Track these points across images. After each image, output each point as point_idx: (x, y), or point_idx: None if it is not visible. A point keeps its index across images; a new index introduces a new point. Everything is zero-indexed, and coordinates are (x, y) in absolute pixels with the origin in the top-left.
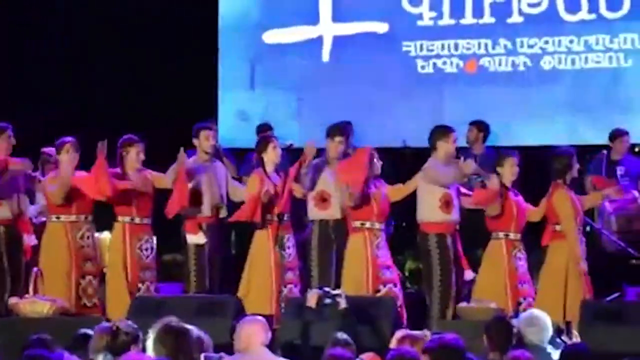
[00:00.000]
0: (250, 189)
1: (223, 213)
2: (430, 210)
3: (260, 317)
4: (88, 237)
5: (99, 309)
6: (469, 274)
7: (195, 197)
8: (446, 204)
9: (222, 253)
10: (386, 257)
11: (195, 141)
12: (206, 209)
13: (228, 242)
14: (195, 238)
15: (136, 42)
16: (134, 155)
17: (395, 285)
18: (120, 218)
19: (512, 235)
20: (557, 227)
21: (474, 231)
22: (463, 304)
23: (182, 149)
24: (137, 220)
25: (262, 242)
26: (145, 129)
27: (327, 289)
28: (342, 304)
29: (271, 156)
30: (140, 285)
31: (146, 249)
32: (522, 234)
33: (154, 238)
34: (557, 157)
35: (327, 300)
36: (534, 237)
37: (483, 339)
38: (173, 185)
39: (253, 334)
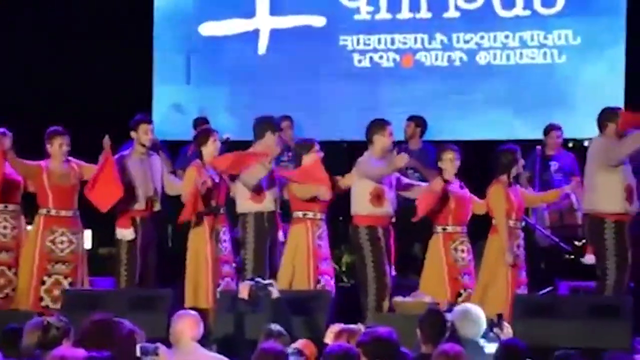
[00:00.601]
0: (187, 182)
1: (157, 207)
2: (361, 203)
3: (192, 312)
4: (5, 227)
5: (9, 301)
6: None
7: (129, 191)
8: (377, 198)
9: (155, 247)
10: (326, 249)
11: (133, 134)
12: (140, 203)
13: (165, 235)
14: (126, 233)
15: (70, 34)
16: (57, 147)
17: (331, 278)
18: (39, 210)
19: (450, 229)
20: (494, 221)
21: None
22: (399, 298)
23: (106, 136)
24: (53, 212)
25: (198, 235)
26: (80, 122)
27: (258, 279)
28: (274, 293)
29: (210, 149)
30: (45, 278)
31: (61, 242)
32: (466, 226)
33: (83, 231)
34: (502, 152)
35: (259, 291)
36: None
37: (417, 333)
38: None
39: (184, 329)
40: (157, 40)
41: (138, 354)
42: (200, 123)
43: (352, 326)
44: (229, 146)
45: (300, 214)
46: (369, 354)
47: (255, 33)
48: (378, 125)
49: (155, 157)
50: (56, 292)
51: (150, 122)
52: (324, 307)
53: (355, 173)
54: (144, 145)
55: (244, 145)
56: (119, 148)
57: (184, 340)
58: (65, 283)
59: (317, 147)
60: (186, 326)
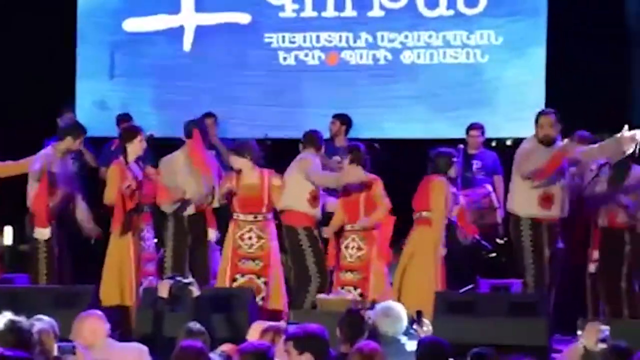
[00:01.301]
0: (111, 186)
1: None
2: (301, 203)
3: (96, 311)
4: None
5: None
6: None
7: (49, 190)
8: (314, 199)
9: (73, 244)
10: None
11: (69, 138)
12: (56, 201)
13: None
14: (44, 232)
15: None
16: None
17: (258, 277)
18: None
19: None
20: (426, 214)
21: None
22: (322, 295)
23: None
24: None
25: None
26: (1, 116)
27: (178, 277)
28: (195, 292)
29: (136, 148)
30: None
31: None
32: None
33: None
34: (440, 156)
35: (179, 290)
36: None
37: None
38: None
39: (95, 328)
40: (81, 35)
41: (55, 353)
42: (124, 120)
43: (276, 324)
44: (152, 143)
45: (233, 214)
46: (299, 348)
47: (181, 29)
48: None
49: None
50: None
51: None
52: (245, 304)
53: (299, 172)
54: (72, 151)
55: (167, 142)
56: (42, 142)
57: (98, 339)
58: None
59: None
60: (96, 324)
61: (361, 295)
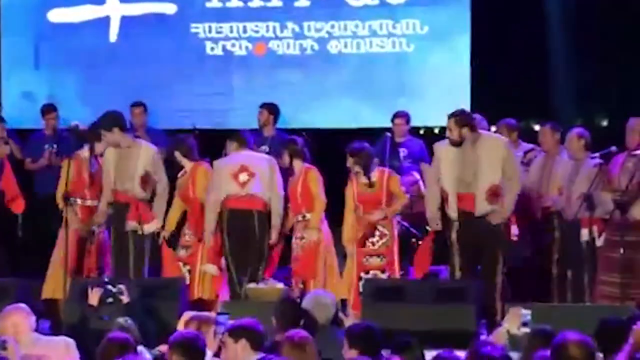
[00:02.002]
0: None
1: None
2: None
3: (20, 305)
4: None
5: None
6: None
7: None
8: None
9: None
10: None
11: None
12: None
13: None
14: None
15: None
16: None
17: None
18: None
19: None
20: None
21: None
22: (252, 285)
23: None
24: None
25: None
26: None
27: (109, 286)
28: (125, 299)
29: (101, 148)
30: None
31: None
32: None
33: None
34: (358, 152)
35: (109, 300)
36: None
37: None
38: None
39: (20, 322)
40: (5, 26)
41: None
42: (48, 110)
43: (203, 314)
44: (78, 133)
45: None
46: (234, 336)
47: (106, 20)
48: None
49: None
50: None
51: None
52: (176, 294)
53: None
54: None
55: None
56: None
57: (22, 333)
58: None
59: None
60: (21, 318)
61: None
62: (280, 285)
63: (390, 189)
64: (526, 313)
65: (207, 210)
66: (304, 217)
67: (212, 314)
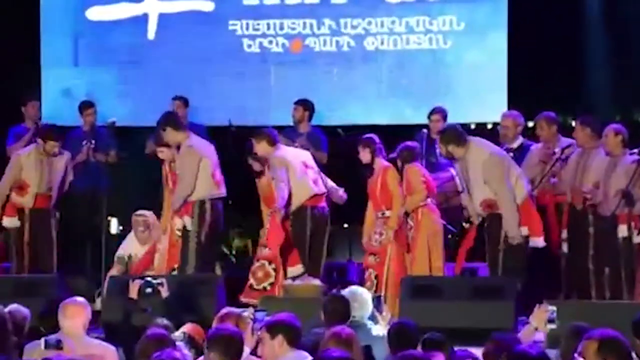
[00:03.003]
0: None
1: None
2: None
3: (78, 299)
4: None
5: None
6: None
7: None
8: None
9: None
10: None
11: (40, 141)
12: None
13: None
14: (10, 221)
15: None
16: None
17: None
18: None
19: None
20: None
21: None
22: (288, 281)
23: None
24: None
25: None
26: None
27: (149, 278)
28: (164, 293)
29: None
30: None
31: None
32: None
33: None
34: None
35: (149, 290)
36: None
37: (309, 316)
38: None
39: (81, 322)
40: (44, 24)
41: (42, 347)
42: (86, 107)
43: (239, 310)
44: (115, 130)
45: None
46: (271, 332)
47: (144, 17)
48: None
49: (64, 155)
50: None
51: (58, 139)
52: (212, 290)
53: None
54: (48, 154)
55: (133, 129)
56: (8, 131)
57: (77, 327)
58: None
59: None
60: (84, 317)
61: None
62: (317, 282)
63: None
64: (552, 310)
65: None
66: (383, 214)
67: (251, 310)
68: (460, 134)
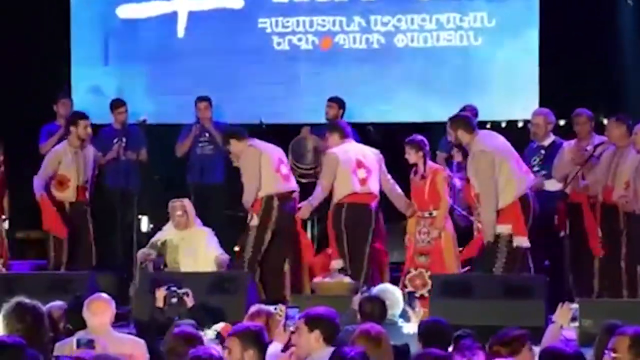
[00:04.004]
0: None
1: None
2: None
3: (105, 295)
4: None
5: None
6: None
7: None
8: None
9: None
10: None
11: (72, 128)
12: (70, 191)
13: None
14: None
15: None
16: None
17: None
18: None
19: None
20: None
21: None
22: (318, 279)
23: None
24: None
25: None
26: None
27: (173, 287)
28: (189, 302)
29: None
30: None
31: None
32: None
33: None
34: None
35: (174, 300)
36: None
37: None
38: None
39: (107, 319)
40: (75, 22)
41: (74, 346)
42: (117, 105)
43: (268, 307)
44: (146, 128)
45: None
46: (310, 325)
47: (174, 15)
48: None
49: (89, 148)
50: None
51: (88, 117)
52: (242, 288)
53: None
54: (81, 139)
55: (163, 127)
56: (40, 128)
57: (105, 325)
58: None
59: None
60: (110, 314)
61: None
62: (347, 280)
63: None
64: (574, 308)
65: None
66: (430, 214)
67: (281, 307)
68: (471, 122)
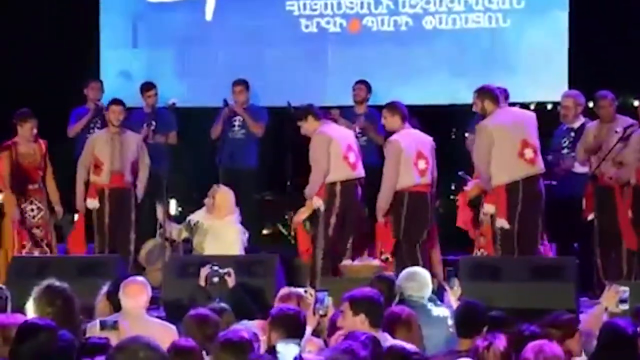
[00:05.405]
0: None
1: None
2: None
3: (141, 278)
4: None
5: None
6: None
7: (97, 166)
8: None
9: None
10: None
11: (106, 114)
12: (106, 176)
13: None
14: (90, 203)
15: (15, 3)
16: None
17: None
18: None
19: None
20: None
21: None
22: (347, 262)
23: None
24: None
25: None
26: (29, 90)
27: (215, 267)
28: (231, 282)
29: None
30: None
31: (32, 210)
32: None
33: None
34: None
35: (215, 279)
36: None
37: None
38: None
39: (143, 300)
40: (104, 6)
41: (97, 327)
42: (147, 88)
43: (300, 290)
44: (175, 111)
45: None
46: (355, 309)
47: None
48: None
49: (129, 133)
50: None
51: (120, 103)
52: (271, 271)
53: None
54: (114, 125)
55: (191, 110)
56: (69, 112)
57: (139, 308)
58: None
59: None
60: (146, 297)
61: None
62: (376, 262)
63: None
64: (624, 290)
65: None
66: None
67: (309, 289)
68: (497, 95)
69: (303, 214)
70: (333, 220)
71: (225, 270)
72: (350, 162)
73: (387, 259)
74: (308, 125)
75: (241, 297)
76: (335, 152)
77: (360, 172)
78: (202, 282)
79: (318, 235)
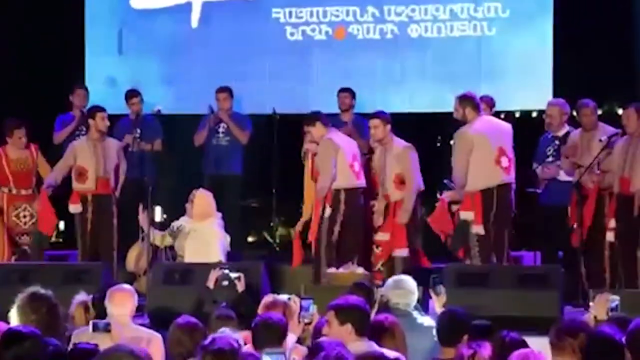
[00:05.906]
0: None
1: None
2: None
3: (126, 286)
4: None
5: None
6: None
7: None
8: None
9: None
10: None
11: (90, 121)
12: (90, 182)
13: None
14: (73, 208)
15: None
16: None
17: None
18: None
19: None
20: None
21: None
22: (331, 269)
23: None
24: (14, 191)
25: None
26: (14, 96)
27: (226, 270)
28: (240, 287)
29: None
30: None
31: (24, 216)
32: None
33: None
34: None
35: (225, 283)
36: None
37: None
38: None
39: (129, 309)
40: (89, 13)
41: (90, 330)
42: (132, 95)
43: (282, 297)
44: (160, 118)
45: None
46: (341, 318)
47: (188, 6)
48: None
49: (109, 140)
50: None
51: (105, 110)
52: (255, 278)
53: None
54: (100, 132)
55: (177, 117)
56: (54, 118)
57: (122, 316)
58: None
59: None
60: (132, 305)
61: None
62: (361, 270)
63: None
64: (614, 299)
65: None
66: None
67: (294, 298)
68: (478, 104)
69: (302, 224)
70: (337, 227)
71: (237, 274)
72: (355, 171)
73: (379, 269)
74: (316, 131)
75: (249, 303)
76: (341, 160)
77: (363, 181)
78: (210, 284)
79: (321, 242)
